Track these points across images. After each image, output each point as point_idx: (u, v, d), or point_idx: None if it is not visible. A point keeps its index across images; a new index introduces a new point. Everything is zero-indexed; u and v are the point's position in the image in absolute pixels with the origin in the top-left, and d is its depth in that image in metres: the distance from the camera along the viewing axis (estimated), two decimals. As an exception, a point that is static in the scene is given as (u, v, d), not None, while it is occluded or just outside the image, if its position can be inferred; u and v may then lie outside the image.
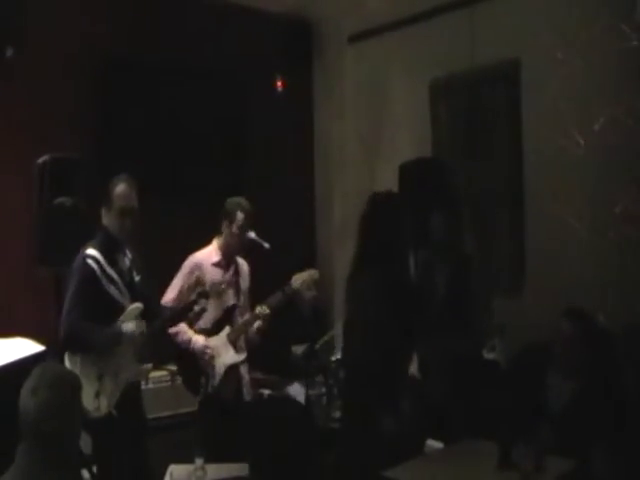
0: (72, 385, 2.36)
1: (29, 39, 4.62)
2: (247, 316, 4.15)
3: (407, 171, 4.80)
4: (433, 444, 3.46)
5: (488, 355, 4.46)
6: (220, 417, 3.96)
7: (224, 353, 4.05)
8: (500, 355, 4.52)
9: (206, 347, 3.98)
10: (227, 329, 4.08)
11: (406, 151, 5.20)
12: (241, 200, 4.16)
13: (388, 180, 5.02)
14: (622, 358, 3.69)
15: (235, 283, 4.19)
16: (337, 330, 5.38)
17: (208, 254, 4.17)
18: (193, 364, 3.99)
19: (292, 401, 4.86)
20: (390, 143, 5.80)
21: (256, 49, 5.94)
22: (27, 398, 2.23)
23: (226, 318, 4.10)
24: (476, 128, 5.20)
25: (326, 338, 5.02)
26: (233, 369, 4.09)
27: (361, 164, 6.11)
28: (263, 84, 6.05)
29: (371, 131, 6.05)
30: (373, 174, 5.84)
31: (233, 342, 4.10)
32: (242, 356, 4.16)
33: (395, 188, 4.72)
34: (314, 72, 6.57)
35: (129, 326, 3.41)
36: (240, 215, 4.09)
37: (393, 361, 3.40)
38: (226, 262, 4.16)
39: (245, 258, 4.29)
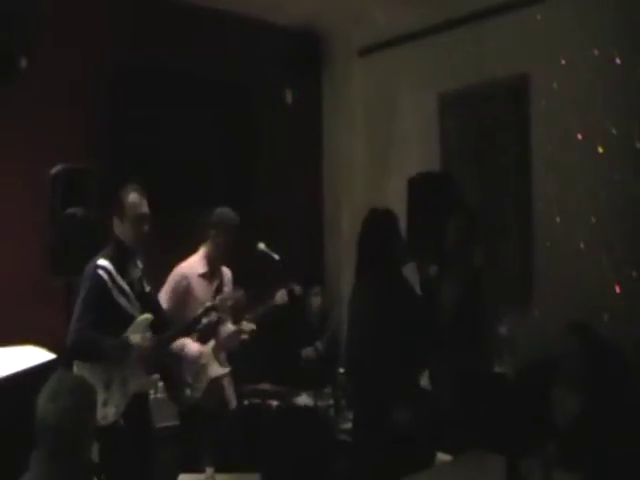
0: (89, 392, 2.40)
1: (41, 49, 4.65)
2: (229, 325, 4.17)
3: (416, 184, 4.81)
4: (442, 457, 3.46)
5: (496, 368, 4.46)
6: (203, 428, 3.98)
7: (208, 366, 4.07)
8: (507, 368, 4.53)
9: (200, 354, 4.00)
10: (212, 342, 4.09)
11: (415, 164, 5.22)
12: (230, 213, 4.18)
13: (397, 193, 5.05)
14: (631, 372, 3.70)
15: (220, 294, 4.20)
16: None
17: (194, 265, 4.18)
18: (177, 376, 4.01)
19: (308, 411, 4.87)
20: (399, 156, 5.82)
21: (265, 61, 5.97)
22: (46, 403, 2.26)
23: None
24: (485, 142, 5.22)
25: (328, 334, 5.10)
26: (215, 382, 4.11)
27: (370, 177, 6.14)
28: (272, 97, 6.08)
29: (380, 144, 6.07)
30: (381, 187, 5.86)
31: (217, 355, 4.12)
32: (226, 369, 4.19)
33: (403, 201, 4.75)
34: (323, 85, 6.60)
35: (136, 338, 3.42)
36: (228, 229, 4.12)
37: (391, 373, 3.48)
38: (211, 273, 4.18)
39: (254, 270, 4.31)
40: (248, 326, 4.10)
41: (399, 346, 3.52)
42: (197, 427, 3.97)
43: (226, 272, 4.30)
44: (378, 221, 3.79)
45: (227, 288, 4.26)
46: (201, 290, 4.11)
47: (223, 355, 4.17)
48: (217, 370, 4.11)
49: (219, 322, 3.91)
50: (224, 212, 4.17)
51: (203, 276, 4.15)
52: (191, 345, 4.02)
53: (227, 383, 4.22)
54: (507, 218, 5.04)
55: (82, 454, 2.34)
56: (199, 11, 5.56)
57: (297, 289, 4.34)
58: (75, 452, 2.29)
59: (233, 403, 4.26)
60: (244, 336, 4.08)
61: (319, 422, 4.75)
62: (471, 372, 3.75)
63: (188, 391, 3.93)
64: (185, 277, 4.09)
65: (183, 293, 4.05)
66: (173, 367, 4.00)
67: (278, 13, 5.90)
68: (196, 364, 3.99)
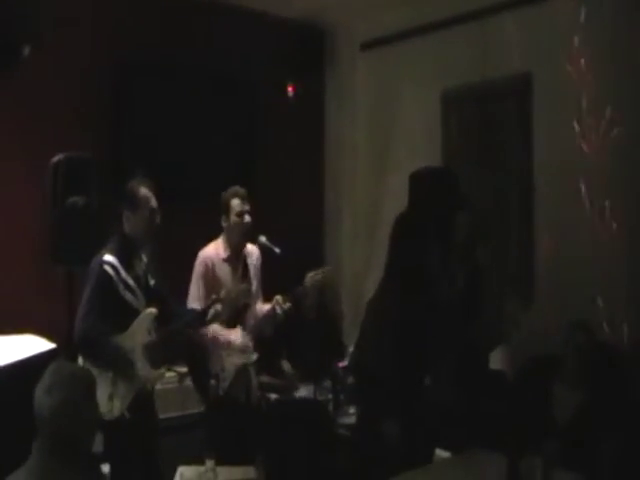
0: (87, 383, 2.33)
1: (44, 38, 4.62)
2: (259, 305, 4.15)
3: (418, 179, 4.79)
4: (441, 453, 3.46)
5: (494, 365, 4.46)
6: (230, 419, 3.93)
7: (235, 354, 4.01)
8: (506, 365, 4.53)
9: (227, 344, 3.96)
10: (240, 332, 4.03)
11: (417, 160, 5.19)
12: (234, 188, 4.10)
13: (398, 189, 5.03)
14: (630, 372, 3.71)
15: (245, 279, 4.12)
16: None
17: (217, 249, 4.10)
18: (203, 366, 3.98)
19: (314, 402, 4.85)
20: (401, 152, 5.80)
21: (268, 55, 5.95)
22: (42, 397, 2.21)
23: (237, 317, 4.04)
24: (487, 140, 5.21)
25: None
26: (242, 371, 4.05)
27: (371, 172, 6.11)
28: (275, 90, 6.06)
29: (382, 139, 6.05)
30: (383, 182, 5.85)
31: (245, 344, 4.05)
32: (253, 357, 4.13)
33: (405, 197, 4.74)
34: (326, 79, 6.57)
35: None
36: (235, 202, 4.03)
37: (409, 369, 3.45)
38: (235, 256, 4.11)
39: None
40: (285, 304, 3.99)
41: (419, 348, 3.49)
42: (224, 417, 3.91)
43: (252, 252, 4.20)
44: (403, 222, 3.72)
45: (253, 270, 4.17)
46: (225, 275, 4.04)
47: (251, 343, 4.09)
48: (244, 358, 4.05)
49: (246, 308, 3.92)
50: (228, 192, 4.09)
51: (227, 260, 4.07)
52: (218, 335, 3.95)
53: (253, 373, 4.16)
54: (508, 216, 5.03)
55: (80, 445, 2.28)
56: (203, 4, 5.53)
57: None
58: (72, 444, 2.23)
59: (255, 398, 4.19)
60: (278, 311, 3.98)
61: (319, 414, 4.73)
62: (472, 368, 3.75)
63: (213, 381, 3.87)
64: (210, 260, 4.02)
65: (212, 278, 3.97)
66: (199, 358, 3.97)
67: (282, 6, 5.87)
68: (223, 354, 3.94)
